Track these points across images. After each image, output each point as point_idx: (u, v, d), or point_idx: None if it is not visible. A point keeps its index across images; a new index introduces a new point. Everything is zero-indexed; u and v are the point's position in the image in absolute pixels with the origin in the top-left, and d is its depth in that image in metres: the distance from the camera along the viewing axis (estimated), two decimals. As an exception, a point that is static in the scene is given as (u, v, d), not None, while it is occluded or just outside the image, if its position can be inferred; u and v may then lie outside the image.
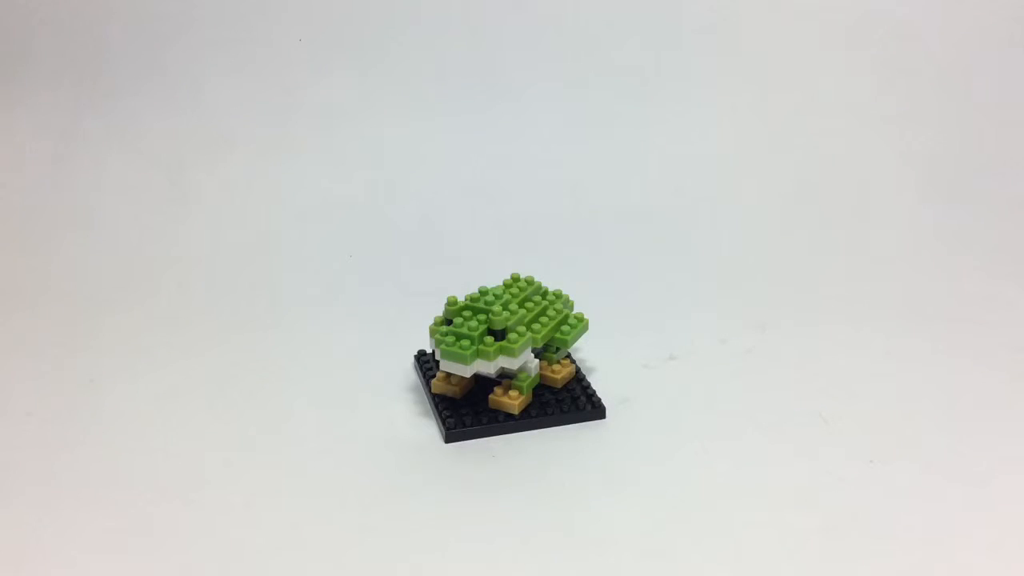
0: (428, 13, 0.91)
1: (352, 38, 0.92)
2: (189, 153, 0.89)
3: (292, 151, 0.89)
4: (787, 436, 0.57)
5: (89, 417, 0.59)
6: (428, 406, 0.60)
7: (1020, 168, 0.87)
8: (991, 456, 0.54)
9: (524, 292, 0.61)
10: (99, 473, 0.53)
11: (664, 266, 0.79)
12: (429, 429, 0.58)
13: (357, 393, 0.61)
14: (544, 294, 0.63)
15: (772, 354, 0.66)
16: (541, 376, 0.60)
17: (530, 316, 0.59)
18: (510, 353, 0.56)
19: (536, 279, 0.63)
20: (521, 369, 0.58)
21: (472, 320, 0.57)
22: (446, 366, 0.56)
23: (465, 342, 0.55)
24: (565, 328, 0.61)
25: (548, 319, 0.60)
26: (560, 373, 0.60)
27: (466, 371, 0.56)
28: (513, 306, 0.57)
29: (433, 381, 0.60)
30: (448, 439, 0.56)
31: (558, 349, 0.61)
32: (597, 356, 0.66)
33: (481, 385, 0.60)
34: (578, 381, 0.61)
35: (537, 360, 0.60)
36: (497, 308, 0.57)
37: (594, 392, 0.60)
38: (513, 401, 0.57)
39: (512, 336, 0.56)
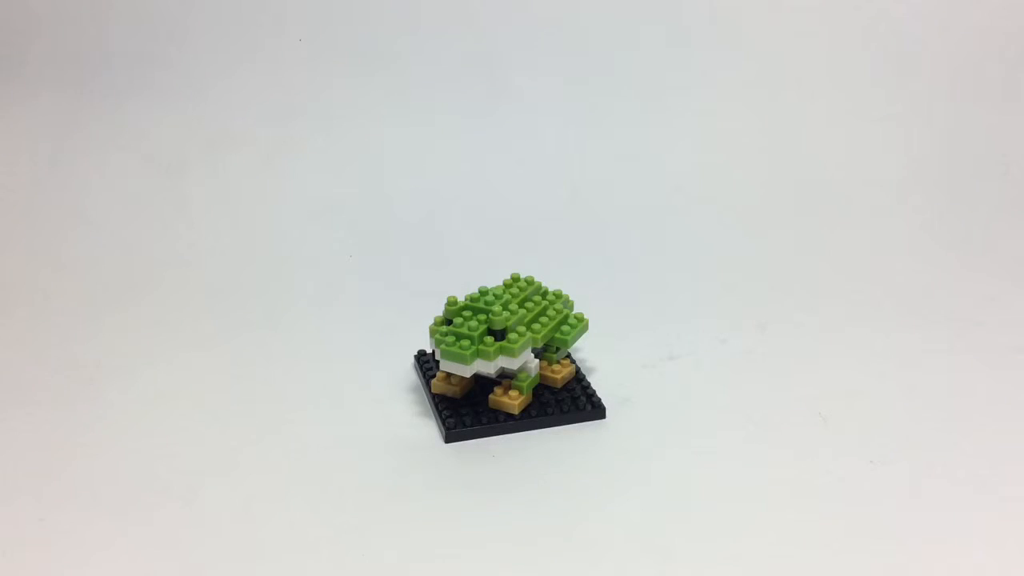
0: (428, 13, 0.91)
1: (352, 38, 0.92)
2: (189, 153, 0.89)
3: (292, 151, 0.89)
4: (787, 436, 0.57)
5: (89, 417, 0.59)
6: (428, 406, 0.60)
7: (1020, 168, 0.87)
8: (991, 456, 0.54)
9: (524, 292, 0.61)
10: (99, 473, 0.53)
11: (664, 266, 0.79)
12: (429, 429, 0.58)
13: (357, 393, 0.61)
14: (544, 294, 0.63)
15: (772, 354, 0.66)
16: (541, 376, 0.60)
17: (530, 316, 0.59)
18: (510, 353, 0.56)
19: (536, 279, 0.63)
20: (521, 369, 0.58)
21: (472, 320, 0.57)
22: (446, 366, 0.56)
23: (465, 342, 0.55)
24: (565, 328, 0.61)
25: (548, 319, 0.60)
26: (560, 373, 0.60)
27: (466, 371, 0.56)
28: (513, 306, 0.57)
29: (433, 381, 0.60)
30: (448, 439, 0.56)
31: (558, 349, 0.61)
32: (597, 356, 0.66)
33: (481, 385, 0.60)
34: (578, 381, 0.61)
35: (537, 360, 0.60)
36: (497, 308, 0.57)
37: (594, 392, 0.60)
38: (513, 401, 0.57)
39: (512, 336, 0.56)
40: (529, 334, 0.57)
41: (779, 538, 0.48)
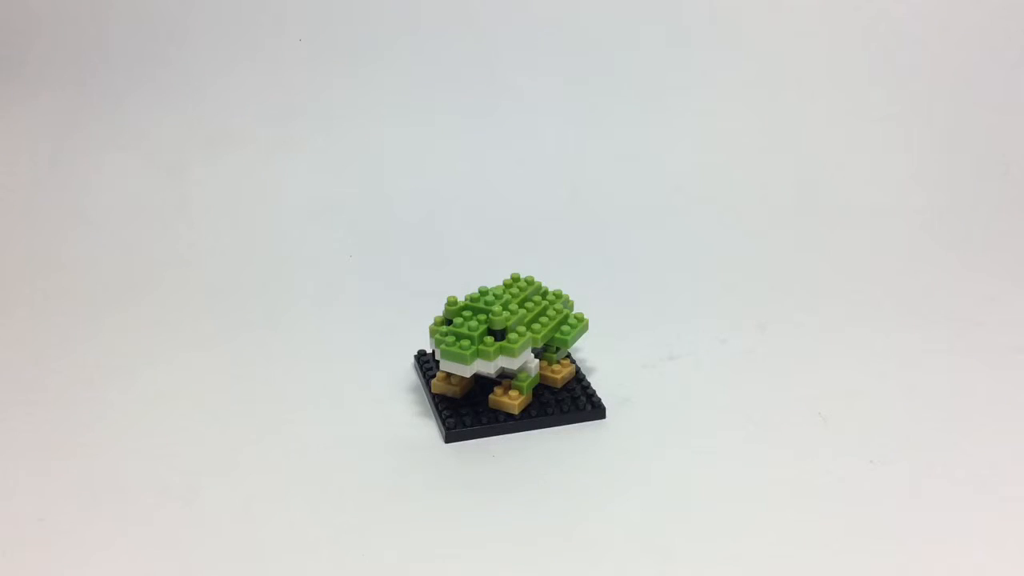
0: (428, 13, 0.91)
1: (352, 38, 0.92)
2: (189, 153, 0.89)
3: (292, 151, 0.89)
4: (787, 436, 0.57)
5: (89, 417, 0.59)
6: (428, 406, 0.60)
7: (1020, 168, 0.87)
8: (991, 456, 0.54)
9: (524, 292, 0.61)
10: (99, 473, 0.53)
11: (664, 266, 0.79)
12: (429, 429, 0.58)
13: (357, 393, 0.61)
14: (544, 294, 0.63)
15: (772, 354, 0.66)
16: (541, 376, 0.60)
17: (530, 316, 0.59)
18: (510, 353, 0.56)
19: (536, 279, 0.63)
20: (521, 369, 0.58)
21: (472, 320, 0.57)
22: (446, 366, 0.56)
23: (465, 342, 0.55)
24: (565, 328, 0.61)
25: (548, 319, 0.60)
26: (560, 373, 0.60)
27: (466, 371, 0.56)
28: (513, 306, 0.57)
29: (433, 381, 0.60)
30: (448, 439, 0.56)
31: (558, 349, 0.61)
32: (597, 356, 0.66)
33: (481, 385, 0.60)
34: (578, 381, 0.61)
35: (537, 360, 0.60)
36: (497, 308, 0.57)
37: (594, 392, 0.60)
38: (513, 401, 0.57)
39: (512, 336, 0.56)
40: (529, 334, 0.57)
41: (779, 538, 0.48)
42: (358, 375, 0.63)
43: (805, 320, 0.70)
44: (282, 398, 0.61)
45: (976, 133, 0.89)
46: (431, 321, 0.60)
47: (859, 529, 0.49)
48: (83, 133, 0.90)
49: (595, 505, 0.51)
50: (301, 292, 0.75)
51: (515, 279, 0.62)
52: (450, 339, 0.56)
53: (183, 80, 0.91)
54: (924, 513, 0.50)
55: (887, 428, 0.57)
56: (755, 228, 0.83)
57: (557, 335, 0.60)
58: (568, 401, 0.59)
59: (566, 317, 0.62)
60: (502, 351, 0.56)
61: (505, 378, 0.59)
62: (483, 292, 0.59)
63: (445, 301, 0.58)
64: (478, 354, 0.56)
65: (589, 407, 0.58)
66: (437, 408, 0.58)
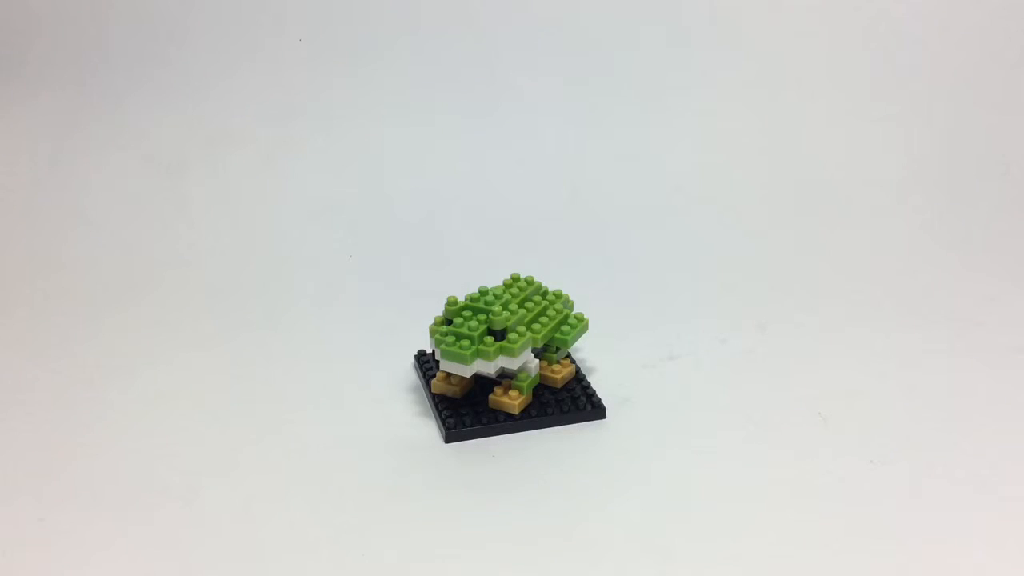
0: (428, 13, 0.91)
1: (352, 38, 0.92)
2: (189, 153, 0.89)
3: (292, 151, 0.89)
4: (787, 436, 0.57)
5: (89, 417, 0.59)
6: (428, 406, 0.60)
7: (1020, 168, 0.87)
8: (991, 456, 0.54)
9: (524, 292, 0.61)
10: (99, 473, 0.53)
11: (664, 266, 0.79)
12: (429, 429, 0.58)
13: (357, 393, 0.61)
14: (544, 294, 0.63)
15: (772, 354, 0.66)
16: (541, 376, 0.60)
17: (530, 316, 0.59)
18: (510, 353, 0.56)
19: (536, 279, 0.63)
20: (521, 369, 0.58)
21: (472, 320, 0.57)
22: (446, 366, 0.56)
23: (465, 342, 0.55)
24: (565, 328, 0.61)
25: (548, 319, 0.60)
26: (560, 373, 0.60)
27: (466, 371, 0.56)
28: (513, 306, 0.57)
29: (433, 381, 0.60)
30: (448, 439, 0.56)
31: (558, 349, 0.61)
32: (597, 356, 0.66)
33: (481, 385, 0.60)
34: (578, 381, 0.61)
35: (537, 360, 0.60)
36: (497, 308, 0.57)
37: (594, 392, 0.60)
38: (513, 401, 0.57)
39: (512, 336, 0.56)
40: (529, 334, 0.57)
41: (779, 538, 0.48)
42: (358, 375, 0.63)
43: (805, 320, 0.70)
44: (282, 398, 0.61)
45: (976, 133, 0.89)
46: (431, 321, 0.60)
47: (859, 529, 0.49)
48: (83, 133, 0.90)
49: (595, 505, 0.51)
50: (301, 292, 0.75)
51: (515, 279, 0.62)
52: (450, 339, 0.56)
53: (183, 80, 0.91)
54: (924, 513, 0.50)
55: (887, 428, 0.57)
56: (755, 228, 0.83)
57: (557, 335, 0.60)
58: (568, 401, 0.59)
59: (566, 317, 0.62)
60: (502, 351, 0.56)
61: (505, 378, 0.59)
62: (483, 292, 0.59)
63: (445, 301, 0.58)
64: (478, 354, 0.56)
65: (589, 407, 0.58)
66: (437, 408, 0.58)
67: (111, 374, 0.63)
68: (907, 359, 0.65)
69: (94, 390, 0.62)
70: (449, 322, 0.58)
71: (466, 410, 0.58)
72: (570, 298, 0.64)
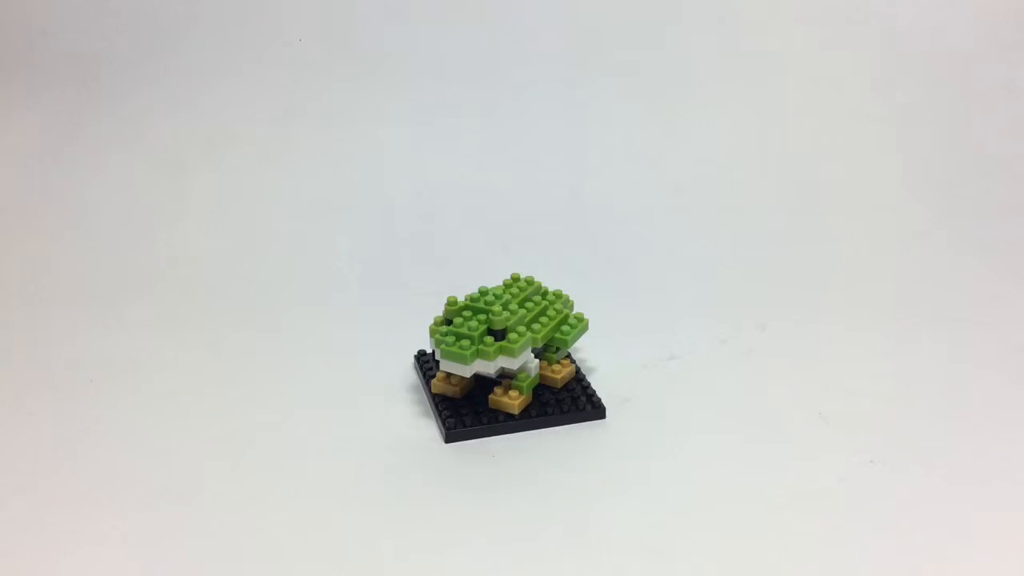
0: (428, 13, 0.91)
1: (352, 38, 0.92)
2: (189, 153, 0.89)
3: (292, 151, 0.89)
4: (787, 436, 0.57)
5: (89, 417, 0.59)
6: (428, 406, 0.60)
7: (1020, 168, 0.87)
8: (991, 456, 0.54)
9: (524, 292, 0.61)
10: (99, 473, 0.53)
11: (664, 266, 0.79)
12: (429, 429, 0.58)
13: (357, 393, 0.61)
14: (544, 294, 0.63)
15: (772, 354, 0.66)
16: (541, 376, 0.60)
17: (530, 316, 0.59)
18: (510, 353, 0.56)
19: (536, 279, 0.63)
20: (521, 369, 0.58)
21: (472, 320, 0.57)
22: (446, 366, 0.56)
23: (465, 342, 0.55)
24: (565, 328, 0.61)
25: (548, 319, 0.60)
26: (560, 373, 0.60)
27: (466, 371, 0.56)
28: (513, 306, 0.57)
29: (433, 381, 0.60)
30: (448, 439, 0.56)
31: (558, 349, 0.61)
32: (597, 356, 0.66)
33: (481, 385, 0.60)
34: (578, 381, 0.61)
35: (537, 360, 0.60)
36: (497, 308, 0.57)
37: (594, 392, 0.60)
38: (513, 401, 0.57)
39: (512, 336, 0.56)
40: (529, 334, 0.57)
41: (779, 538, 0.48)
42: (358, 375, 0.63)
43: (805, 320, 0.70)
44: (282, 398, 0.61)
45: (976, 133, 0.89)
46: (431, 321, 0.60)
47: (859, 529, 0.49)
48: (83, 133, 0.90)
49: (595, 505, 0.51)
50: (301, 292, 0.75)
51: (515, 279, 0.62)
52: (450, 339, 0.56)
53: (183, 80, 0.91)
54: (924, 513, 0.50)
55: (887, 428, 0.57)
56: (755, 228, 0.83)
57: (557, 335, 0.60)
58: (568, 401, 0.59)
59: (566, 317, 0.62)
60: (502, 351, 0.56)
61: (505, 378, 0.59)
62: (483, 292, 0.59)
63: (445, 301, 0.58)
64: (478, 354, 0.56)
65: (589, 407, 0.58)
66: (437, 408, 0.58)
67: (111, 374, 0.63)
68: (907, 359, 0.65)
69: (94, 390, 0.62)
70: (449, 322, 0.58)
71: (466, 410, 0.58)
72: (570, 298, 0.64)
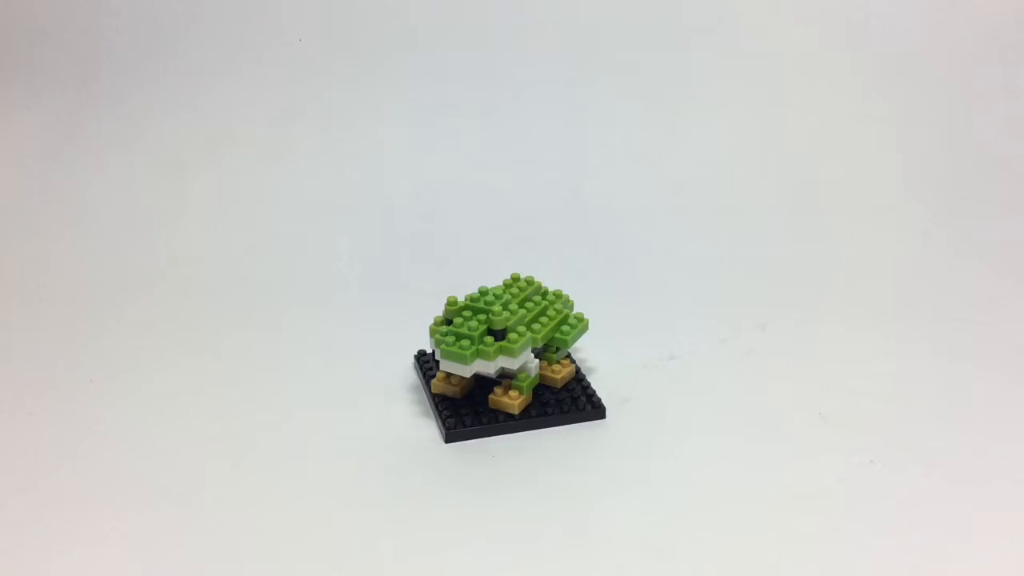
0: (428, 13, 0.91)
1: (352, 38, 0.92)
2: (189, 153, 0.89)
3: (292, 151, 0.89)
4: (787, 436, 0.57)
5: (89, 417, 0.59)
6: (428, 406, 0.60)
7: (1020, 168, 0.87)
8: (992, 456, 0.54)
9: (524, 292, 0.61)
10: (99, 473, 0.53)
11: (664, 266, 0.79)
12: (429, 429, 0.58)
13: (357, 393, 0.61)
14: (544, 294, 0.63)
15: (772, 354, 0.66)
16: (541, 376, 0.60)
17: (530, 316, 0.59)
18: (510, 353, 0.56)
19: (536, 279, 0.63)
20: (521, 369, 0.58)
21: (472, 320, 0.57)
22: (446, 366, 0.56)
23: (465, 342, 0.55)
24: (565, 328, 0.61)
25: (548, 319, 0.60)
26: (560, 373, 0.60)
27: (466, 371, 0.56)
28: (513, 306, 0.57)
29: (433, 381, 0.60)
30: (448, 439, 0.56)
31: (558, 349, 0.61)
32: (597, 356, 0.66)
33: (481, 385, 0.60)
34: (578, 381, 0.61)
35: (537, 360, 0.60)
36: (497, 308, 0.57)
37: (594, 392, 0.60)
38: (513, 401, 0.57)
39: (512, 336, 0.56)
40: (529, 334, 0.57)
41: (779, 538, 0.48)
42: (358, 375, 0.63)
43: (805, 320, 0.70)
44: (282, 398, 0.61)
45: (976, 133, 0.89)
46: (431, 321, 0.60)
47: (859, 529, 0.49)
48: (83, 133, 0.90)
49: (595, 505, 0.51)
50: (301, 292, 0.75)
51: (515, 279, 0.62)
52: (450, 339, 0.56)
53: (183, 80, 0.91)
54: (924, 513, 0.50)
55: (887, 428, 0.57)
56: (755, 228, 0.83)
57: (557, 335, 0.60)
58: (568, 401, 0.59)
59: (566, 317, 0.62)
60: (502, 351, 0.56)
61: (505, 378, 0.59)
62: (483, 292, 0.59)
63: (445, 301, 0.58)
64: (478, 354, 0.56)
65: (589, 407, 0.58)
66: (437, 408, 0.58)
67: (111, 374, 0.63)
68: (907, 359, 0.65)
69: (94, 390, 0.62)
70: (449, 322, 0.58)
71: (466, 410, 0.58)
72: (570, 298, 0.64)
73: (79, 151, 0.89)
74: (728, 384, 0.62)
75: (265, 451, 0.56)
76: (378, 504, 0.51)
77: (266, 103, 0.91)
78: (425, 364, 0.63)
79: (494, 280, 0.63)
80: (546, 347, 0.61)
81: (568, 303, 0.64)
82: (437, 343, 0.56)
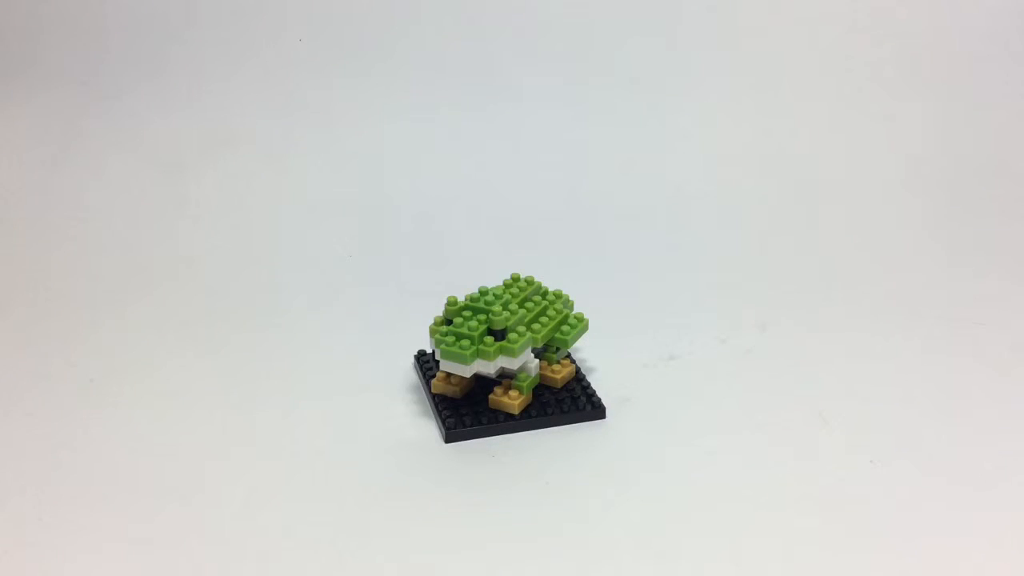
0: (428, 12, 0.91)
1: (352, 38, 0.92)
2: (189, 153, 0.89)
3: (292, 151, 0.89)
4: (787, 436, 0.57)
5: (89, 417, 0.59)
6: (428, 406, 0.60)
7: (1020, 168, 0.87)
8: (991, 456, 0.54)
9: (524, 292, 0.61)
10: (99, 473, 0.53)
11: (664, 266, 0.79)
12: (429, 429, 0.58)
13: (357, 393, 0.61)
14: (544, 294, 0.63)
15: (772, 354, 0.66)
16: (541, 376, 0.60)
17: (530, 316, 0.59)
18: (510, 353, 0.56)
19: (536, 279, 0.63)
20: (521, 369, 0.58)
21: (472, 320, 0.57)
22: (446, 366, 0.56)
23: (465, 342, 0.55)
24: (565, 328, 0.61)
25: (548, 319, 0.60)
26: (560, 373, 0.60)
27: (466, 371, 0.56)
28: (513, 306, 0.57)
29: (433, 381, 0.60)
30: (448, 439, 0.56)
31: (558, 349, 0.61)
32: (597, 356, 0.66)
33: (481, 385, 0.60)
34: (578, 381, 0.61)
35: (537, 360, 0.60)
36: (497, 308, 0.57)
37: (594, 392, 0.60)
38: (513, 401, 0.57)
39: (512, 336, 0.56)
40: (529, 334, 0.57)
41: (779, 538, 0.48)
42: (358, 375, 0.63)
43: (805, 320, 0.70)
44: (282, 398, 0.61)
45: (976, 133, 0.89)
46: (431, 321, 0.60)
47: (859, 529, 0.49)
48: (83, 133, 0.90)
49: (595, 505, 0.51)
50: (301, 292, 0.75)
51: (515, 279, 0.62)
52: (450, 339, 0.56)
53: (183, 80, 0.91)
54: (924, 513, 0.50)
55: (887, 428, 0.57)
56: (755, 228, 0.83)
57: (557, 335, 0.60)
58: (568, 401, 0.59)
59: (566, 317, 0.62)
60: (502, 351, 0.56)
61: (505, 378, 0.59)
62: (483, 292, 0.59)
63: (445, 301, 0.58)
64: (478, 354, 0.56)
65: (589, 407, 0.58)
66: (437, 408, 0.58)
67: (110, 374, 0.63)
68: (907, 359, 0.65)
69: (94, 390, 0.62)
70: (449, 322, 0.58)
71: (466, 410, 0.58)
72: (570, 298, 0.64)
73: (79, 151, 0.89)
74: (728, 384, 0.62)
75: (265, 451, 0.56)
76: (378, 504, 0.51)
77: (266, 103, 0.91)
78: (425, 364, 0.63)
79: (494, 280, 0.63)
80: (546, 347, 0.61)
81: (568, 303, 0.64)
82: (437, 343, 0.56)
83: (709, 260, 0.80)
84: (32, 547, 0.48)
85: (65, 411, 0.59)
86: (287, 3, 0.92)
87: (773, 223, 0.84)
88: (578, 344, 0.66)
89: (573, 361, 0.63)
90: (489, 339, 0.56)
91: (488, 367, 0.56)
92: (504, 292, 0.60)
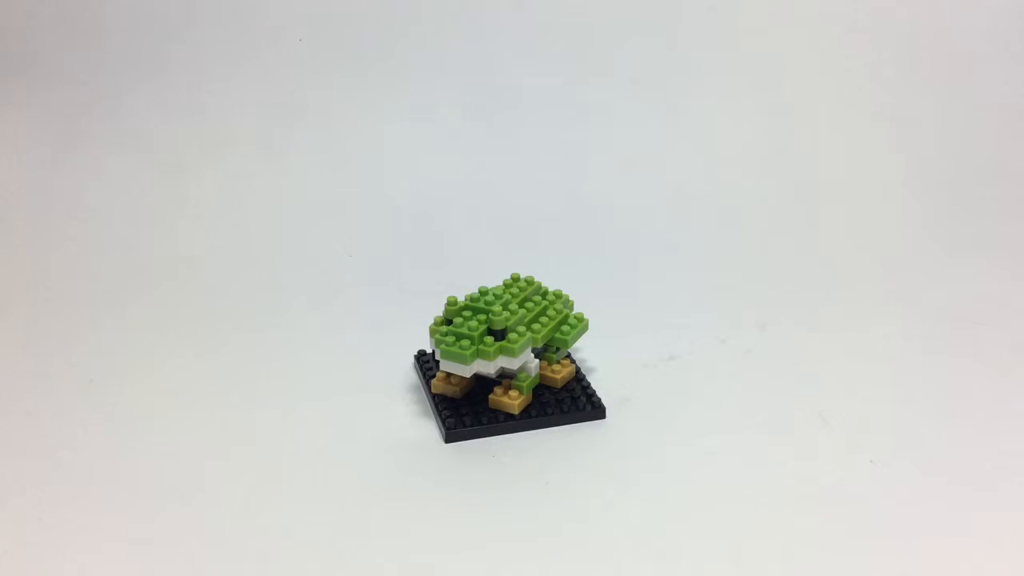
0: (428, 13, 0.91)
1: (352, 38, 0.92)
2: (189, 153, 0.89)
3: (292, 151, 0.89)
4: (787, 436, 0.57)
5: (89, 417, 0.59)
6: (428, 406, 0.60)
7: (1020, 168, 0.87)
8: (991, 456, 0.54)
9: (524, 292, 0.61)
10: (99, 473, 0.53)
11: (664, 266, 0.79)
12: (429, 429, 0.58)
13: (357, 393, 0.61)
14: (544, 294, 0.63)
15: (772, 354, 0.66)
16: (541, 376, 0.60)
17: (530, 316, 0.59)
18: (510, 353, 0.56)
19: (536, 279, 0.63)
20: (521, 369, 0.58)
21: (472, 320, 0.57)
22: (446, 366, 0.56)
23: (465, 342, 0.55)
24: (565, 328, 0.61)
25: (548, 319, 0.60)
26: (560, 373, 0.60)
27: (466, 371, 0.56)
28: (513, 306, 0.57)
29: (433, 381, 0.60)
30: (448, 439, 0.56)
31: (558, 349, 0.61)
32: (597, 356, 0.66)
33: (481, 385, 0.60)
34: (578, 381, 0.61)
35: (537, 360, 0.60)
36: (497, 308, 0.57)
37: (594, 392, 0.60)
38: (513, 401, 0.57)
39: (512, 336, 0.56)
40: (529, 334, 0.57)
41: (779, 538, 0.48)
42: (358, 375, 0.63)
43: (805, 320, 0.70)
44: (282, 398, 0.61)
45: (976, 133, 0.89)
46: (431, 321, 0.60)
47: (859, 529, 0.49)
48: (83, 133, 0.90)
49: (595, 505, 0.51)
50: (301, 292, 0.75)
51: (515, 279, 0.62)
52: (450, 339, 0.56)
53: (183, 80, 0.91)
54: (924, 513, 0.50)
55: (887, 428, 0.57)
56: (755, 228, 0.83)
57: (557, 335, 0.60)
58: (568, 401, 0.59)
59: (566, 317, 0.62)
60: (502, 351, 0.56)
61: (505, 378, 0.59)
62: (483, 292, 0.59)
63: (445, 301, 0.58)
64: (478, 354, 0.56)
65: (589, 407, 0.58)
66: (437, 408, 0.58)
67: (110, 374, 0.63)
68: (907, 359, 0.65)
69: (94, 390, 0.62)
70: (449, 322, 0.58)
71: (466, 410, 0.58)
72: (570, 298, 0.64)
73: (79, 151, 0.89)
74: (728, 384, 0.62)
75: (265, 451, 0.56)
76: (378, 504, 0.51)
77: (266, 103, 0.91)
78: (425, 364, 0.63)
79: (494, 280, 0.63)
80: (546, 347, 0.61)
81: (568, 303, 0.64)
82: (437, 343, 0.56)
83: (709, 260, 0.80)
84: (32, 547, 0.48)
85: (65, 411, 0.59)
86: (287, 3, 0.92)
87: (773, 223, 0.84)
88: (578, 344, 0.66)
89: (573, 361, 0.63)
90: (489, 339, 0.56)
91: (488, 367, 0.56)
92: (504, 292, 0.60)
